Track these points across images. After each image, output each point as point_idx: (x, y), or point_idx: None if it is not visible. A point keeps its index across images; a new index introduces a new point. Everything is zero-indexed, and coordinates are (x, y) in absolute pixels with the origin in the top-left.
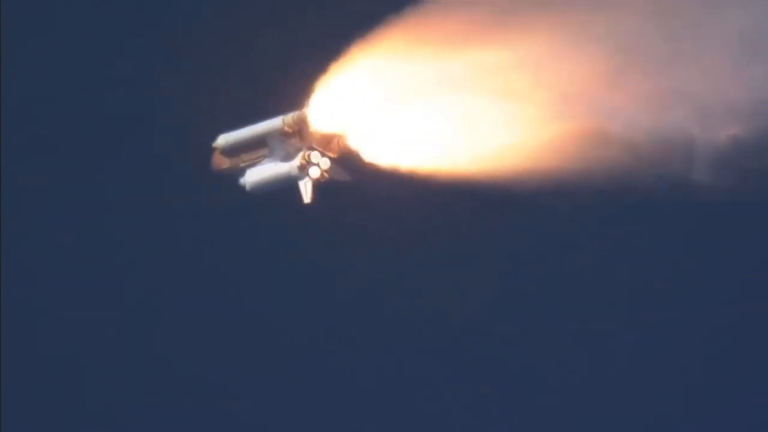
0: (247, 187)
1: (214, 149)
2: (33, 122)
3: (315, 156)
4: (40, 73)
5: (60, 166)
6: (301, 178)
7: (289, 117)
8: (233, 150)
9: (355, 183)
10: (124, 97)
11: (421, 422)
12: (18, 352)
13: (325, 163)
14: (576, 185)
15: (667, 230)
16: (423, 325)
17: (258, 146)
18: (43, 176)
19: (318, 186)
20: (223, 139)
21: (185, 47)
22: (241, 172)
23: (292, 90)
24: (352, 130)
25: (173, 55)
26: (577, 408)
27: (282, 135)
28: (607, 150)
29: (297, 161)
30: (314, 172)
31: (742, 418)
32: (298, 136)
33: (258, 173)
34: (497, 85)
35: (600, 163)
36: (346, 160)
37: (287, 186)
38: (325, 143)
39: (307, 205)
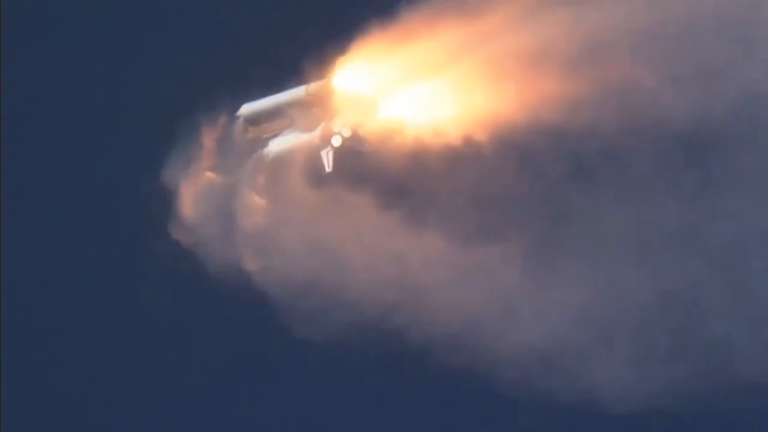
0: (270, 156)
1: (237, 118)
2: (32, 122)
3: (336, 125)
4: (41, 73)
5: (60, 166)
6: (323, 147)
7: (312, 86)
8: (256, 120)
9: (374, 151)
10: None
11: None
12: (18, 351)
13: (347, 131)
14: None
15: None
16: None
17: (280, 116)
18: (44, 176)
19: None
20: (246, 108)
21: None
22: (264, 143)
23: (313, 65)
24: (373, 97)
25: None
26: None
27: (304, 105)
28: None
29: (319, 131)
30: (336, 141)
31: None
32: (320, 106)
33: (280, 143)
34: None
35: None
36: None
37: (309, 155)
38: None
39: (328, 173)
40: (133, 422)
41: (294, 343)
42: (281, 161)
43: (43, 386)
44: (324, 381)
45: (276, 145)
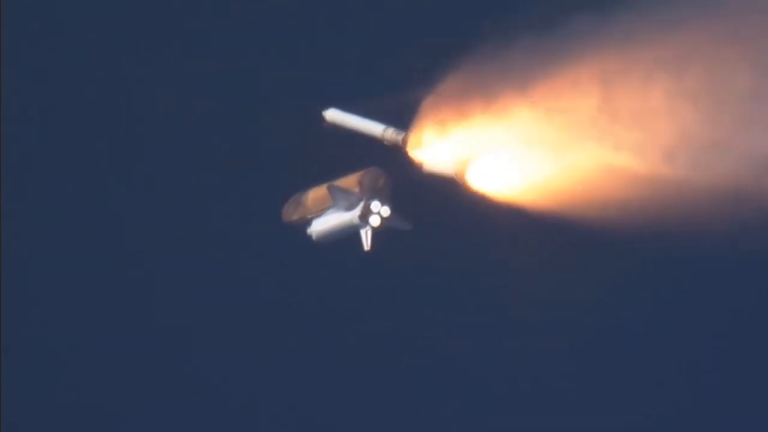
0: (314, 236)
1: (322, 117)
2: (34, 121)
3: (375, 205)
4: (44, 72)
5: (61, 165)
6: (362, 226)
7: (390, 131)
8: (339, 124)
9: (413, 230)
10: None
11: None
12: (18, 351)
13: (386, 211)
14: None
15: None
16: None
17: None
18: (46, 175)
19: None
20: (332, 114)
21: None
22: (308, 222)
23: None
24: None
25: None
26: None
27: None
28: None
29: (358, 210)
30: (374, 221)
31: None
32: (360, 187)
33: (323, 223)
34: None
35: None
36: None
37: (350, 234)
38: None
39: (367, 252)
40: None
41: None
42: (324, 239)
43: (47, 385)
44: None
45: (319, 225)
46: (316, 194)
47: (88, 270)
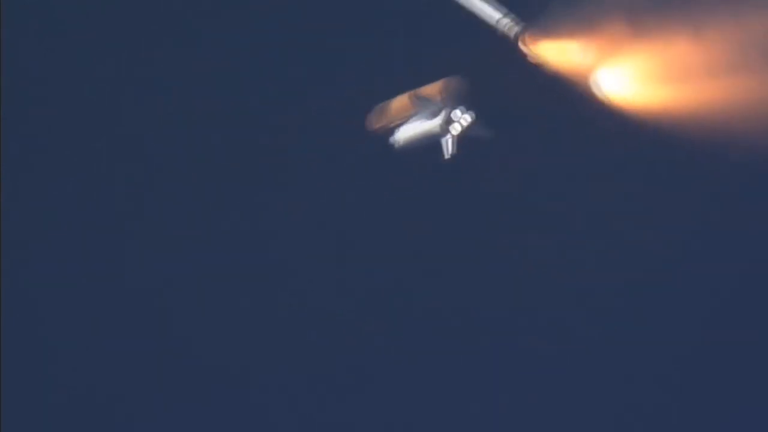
0: (397, 144)
1: None
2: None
3: (456, 113)
4: (48, 72)
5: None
6: (443, 134)
7: (507, 21)
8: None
9: (495, 137)
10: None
11: None
12: (18, 351)
13: (467, 119)
14: None
15: None
16: None
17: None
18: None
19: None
20: None
21: None
22: (392, 131)
23: None
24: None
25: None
26: None
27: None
28: None
29: (440, 119)
30: (455, 129)
31: None
32: (442, 94)
33: (406, 131)
34: None
35: None
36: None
37: (432, 142)
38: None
39: (447, 160)
40: None
41: None
42: (407, 147)
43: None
44: None
45: (402, 134)
46: (399, 103)
47: (92, 269)
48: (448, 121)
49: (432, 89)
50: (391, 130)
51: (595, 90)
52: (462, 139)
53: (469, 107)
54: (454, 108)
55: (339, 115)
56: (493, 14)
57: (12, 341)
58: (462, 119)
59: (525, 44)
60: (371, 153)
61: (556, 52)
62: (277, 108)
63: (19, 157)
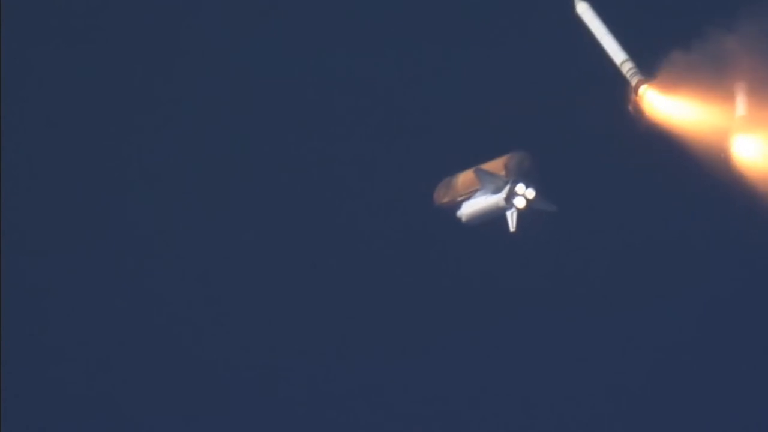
0: (463, 218)
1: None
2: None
3: (520, 188)
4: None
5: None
6: (508, 208)
7: (631, 66)
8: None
9: (558, 211)
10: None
11: None
12: (18, 351)
13: (530, 193)
14: None
15: None
16: None
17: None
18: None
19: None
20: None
21: None
22: (458, 205)
23: None
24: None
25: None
26: None
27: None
28: None
29: (504, 193)
30: (519, 203)
31: None
32: (506, 170)
33: (471, 206)
34: None
35: None
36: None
37: (497, 216)
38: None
39: (513, 233)
40: None
41: None
42: (472, 221)
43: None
44: None
45: (467, 208)
46: (465, 178)
47: (92, 269)
48: (512, 195)
49: (496, 164)
50: (457, 205)
51: (724, 156)
52: (530, 213)
53: (530, 182)
54: (517, 182)
55: (407, 189)
56: (619, 55)
57: (12, 341)
58: (526, 192)
59: (641, 94)
60: (439, 226)
61: (677, 108)
62: (346, 183)
63: (19, 157)
